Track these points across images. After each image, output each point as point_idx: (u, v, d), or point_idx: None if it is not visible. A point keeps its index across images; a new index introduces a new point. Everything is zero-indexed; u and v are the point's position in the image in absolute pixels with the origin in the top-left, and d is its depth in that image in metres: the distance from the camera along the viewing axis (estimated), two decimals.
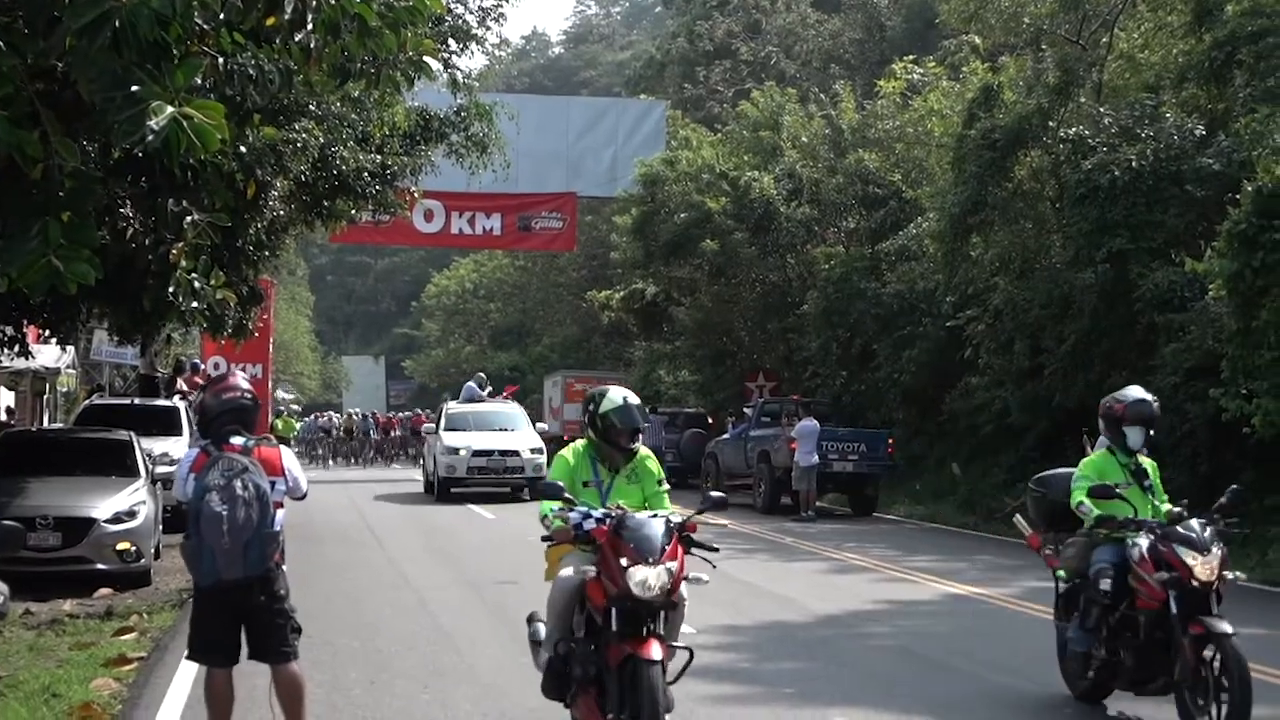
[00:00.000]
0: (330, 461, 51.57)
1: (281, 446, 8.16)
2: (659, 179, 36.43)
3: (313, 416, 63.59)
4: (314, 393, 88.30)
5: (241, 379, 8.30)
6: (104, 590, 14.28)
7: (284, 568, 7.96)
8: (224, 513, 7.39)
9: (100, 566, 14.61)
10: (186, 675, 9.68)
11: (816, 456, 25.02)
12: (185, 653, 8.26)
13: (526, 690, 9.78)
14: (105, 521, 14.69)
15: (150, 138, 5.67)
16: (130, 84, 5.72)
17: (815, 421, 25.60)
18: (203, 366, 32.67)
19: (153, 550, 15.51)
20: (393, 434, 56.46)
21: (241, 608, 7.69)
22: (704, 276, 36.78)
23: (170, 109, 5.69)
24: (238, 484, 7.48)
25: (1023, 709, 9.43)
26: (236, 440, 7.76)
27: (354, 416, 56.81)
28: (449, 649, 11.47)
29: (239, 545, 7.40)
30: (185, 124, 5.74)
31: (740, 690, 9.92)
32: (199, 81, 6.81)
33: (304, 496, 8.37)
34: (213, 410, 7.95)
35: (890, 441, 27.09)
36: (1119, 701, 9.40)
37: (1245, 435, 17.20)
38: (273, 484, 7.76)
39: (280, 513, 7.76)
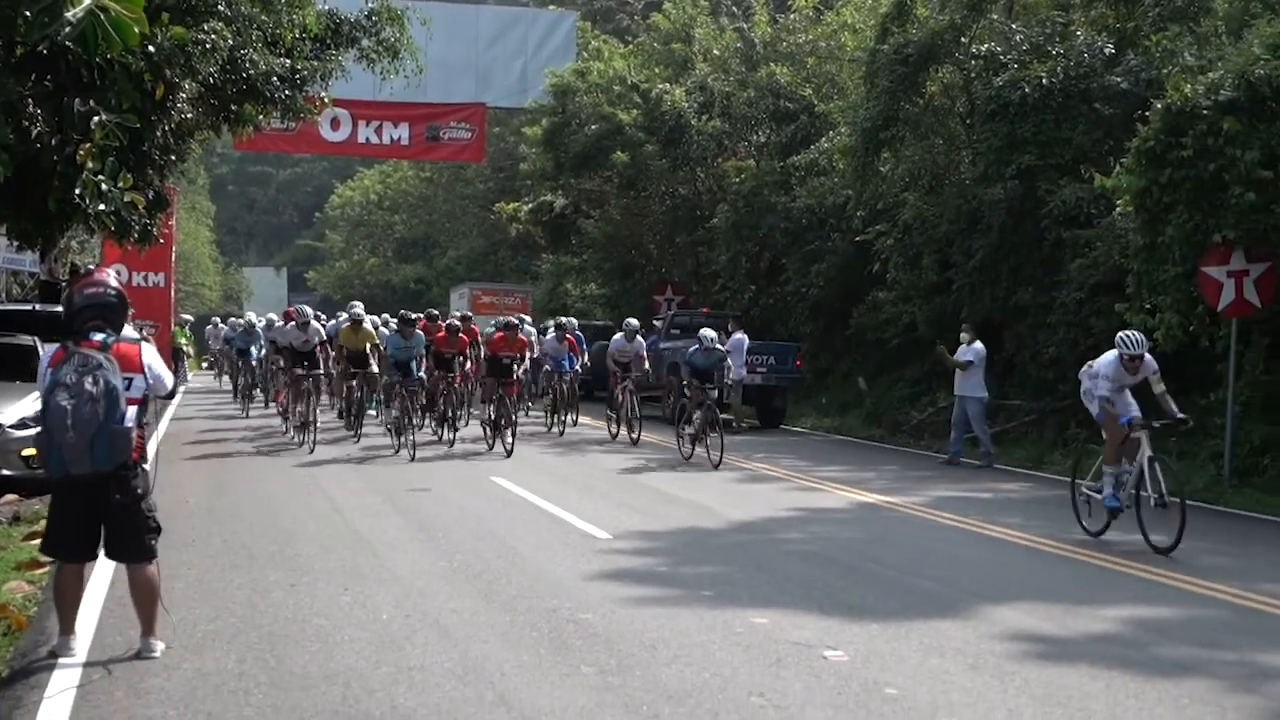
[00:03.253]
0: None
1: (143, 343, 8.07)
2: (570, 90, 36.17)
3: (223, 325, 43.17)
4: (214, 304, 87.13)
5: (109, 275, 8.11)
6: (10, 496, 14.07)
7: (145, 467, 7.94)
8: (69, 407, 7.37)
9: (5, 472, 14.41)
10: (102, 576, 9.60)
11: (745, 370, 25.15)
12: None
13: (448, 592, 9.84)
14: (10, 427, 14.50)
15: (67, 30, 5.48)
16: None
17: (745, 335, 25.73)
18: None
19: None
20: None
21: (95, 505, 7.67)
22: (614, 189, 36.71)
23: (88, 0, 5.51)
24: (88, 380, 7.45)
25: (930, 606, 9.62)
26: (97, 336, 7.67)
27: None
28: (367, 553, 11.46)
29: (84, 440, 7.39)
30: (103, 17, 5.55)
31: (660, 593, 10.02)
32: None
33: (171, 395, 8.30)
34: (75, 305, 7.83)
35: (799, 355, 27.29)
36: (1017, 609, 9.62)
37: (1151, 349, 17.49)
38: (130, 381, 7.70)
39: (132, 410, 7.66)
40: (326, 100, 22.98)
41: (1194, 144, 16.25)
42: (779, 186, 31.96)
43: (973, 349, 20.40)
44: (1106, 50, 22.43)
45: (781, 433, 26.22)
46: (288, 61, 19.15)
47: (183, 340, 39.27)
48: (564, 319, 27.83)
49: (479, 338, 25.80)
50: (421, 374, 21.30)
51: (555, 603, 9.56)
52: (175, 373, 36.45)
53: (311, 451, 19.97)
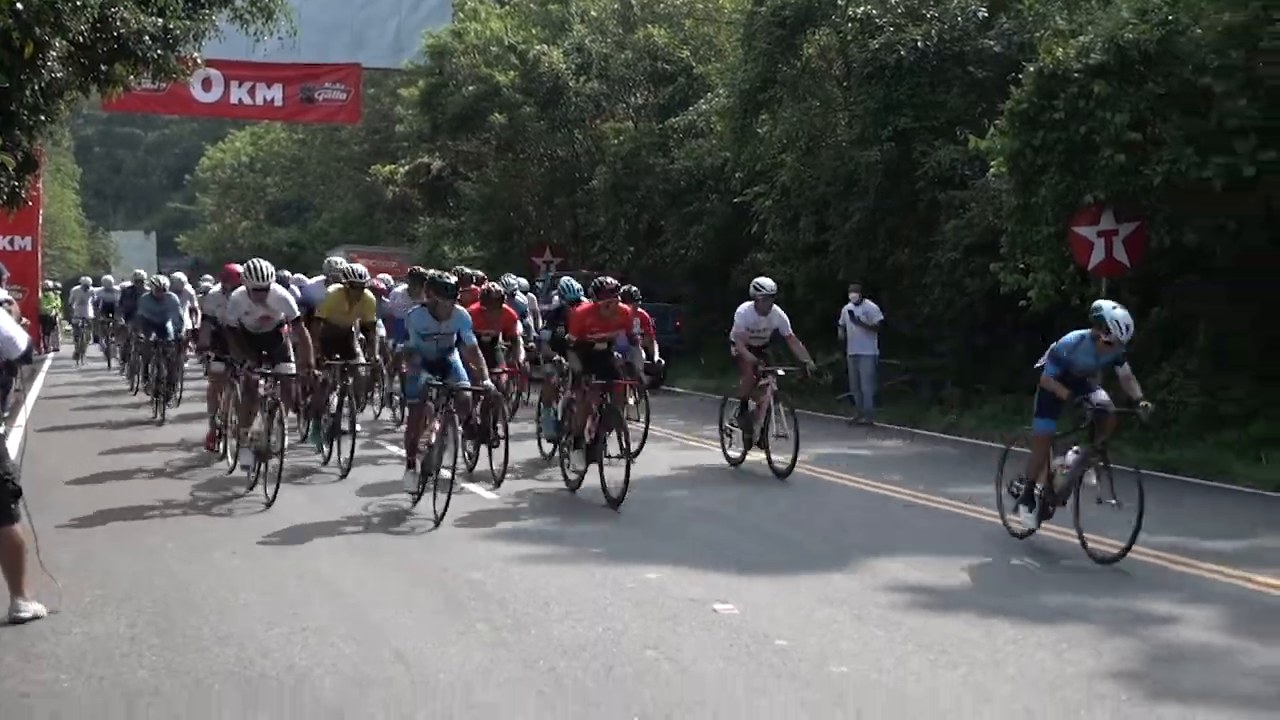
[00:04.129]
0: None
1: None
2: (446, 51, 35.85)
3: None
4: (81, 268, 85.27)
5: None
6: None
7: (2, 429, 7.86)
8: None
9: None
10: None
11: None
12: None
13: (341, 558, 9.81)
14: None
15: None
16: None
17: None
18: None
19: None
20: None
21: None
22: (491, 151, 36.53)
23: None
24: None
25: (817, 561, 9.80)
26: None
27: None
28: (261, 522, 11.39)
29: None
30: None
31: (549, 551, 10.10)
32: None
33: (25, 358, 8.22)
34: None
35: (678, 316, 27.43)
36: (900, 561, 9.85)
37: (1022, 308, 17.90)
38: None
39: None
40: (199, 60, 22.54)
41: (1065, 107, 16.57)
42: (657, 148, 32.02)
43: (862, 308, 20.72)
44: (980, 14, 22.76)
45: (663, 393, 26.35)
46: (160, 20, 18.70)
47: (50, 307, 38.39)
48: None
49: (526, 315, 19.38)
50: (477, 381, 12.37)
51: (446, 562, 9.59)
52: (45, 341, 35.80)
53: (269, 505, 12.12)
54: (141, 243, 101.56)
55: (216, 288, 17.29)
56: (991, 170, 19.30)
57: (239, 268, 14.22)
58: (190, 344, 21.74)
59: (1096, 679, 7.01)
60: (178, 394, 21.18)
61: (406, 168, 43.63)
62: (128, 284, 28.54)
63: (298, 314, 13.87)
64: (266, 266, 13.43)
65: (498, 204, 39.68)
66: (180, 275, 25.95)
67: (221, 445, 15.01)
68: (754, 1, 25.85)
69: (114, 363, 28.44)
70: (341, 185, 61.37)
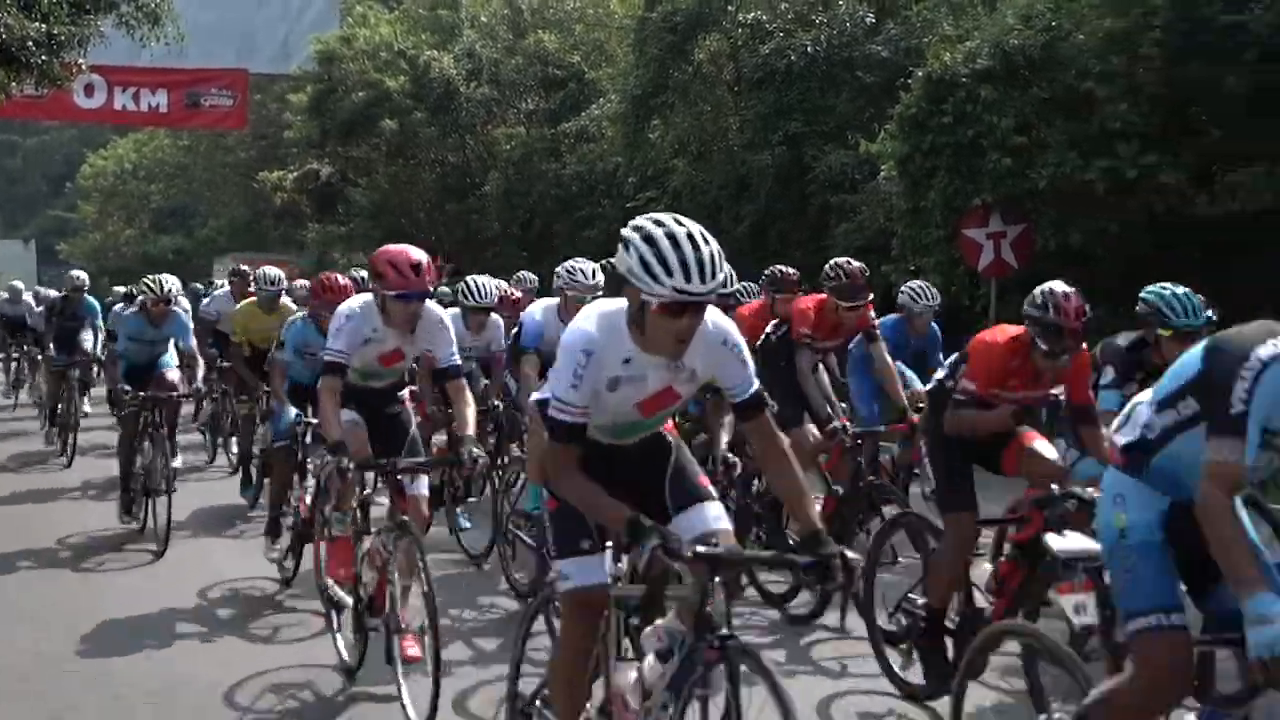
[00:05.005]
0: None
1: None
2: (335, 57, 35.63)
3: None
4: None
5: None
6: None
7: None
8: None
9: None
10: None
11: None
12: None
13: None
14: None
15: None
16: None
17: None
18: None
19: None
20: None
21: None
22: (382, 157, 36.33)
23: None
24: None
25: None
26: None
27: None
28: None
29: None
30: None
31: None
32: None
33: None
34: None
35: None
36: None
37: None
38: None
39: None
40: (83, 66, 22.20)
41: (953, 111, 16.89)
42: (549, 153, 32.07)
43: None
44: (868, 20, 23.10)
45: None
46: (44, 26, 18.46)
47: None
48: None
49: None
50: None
51: None
52: None
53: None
54: (20, 252, 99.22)
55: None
56: (882, 173, 19.57)
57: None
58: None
59: None
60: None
61: (295, 174, 43.17)
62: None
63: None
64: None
65: (388, 210, 39.39)
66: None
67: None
68: (645, 7, 26.02)
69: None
70: (228, 192, 60.62)
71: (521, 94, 34.16)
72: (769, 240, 23.52)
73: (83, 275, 17.53)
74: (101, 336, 16.16)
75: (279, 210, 51.99)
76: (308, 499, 8.65)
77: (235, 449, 13.99)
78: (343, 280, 9.69)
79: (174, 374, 11.69)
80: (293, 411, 9.38)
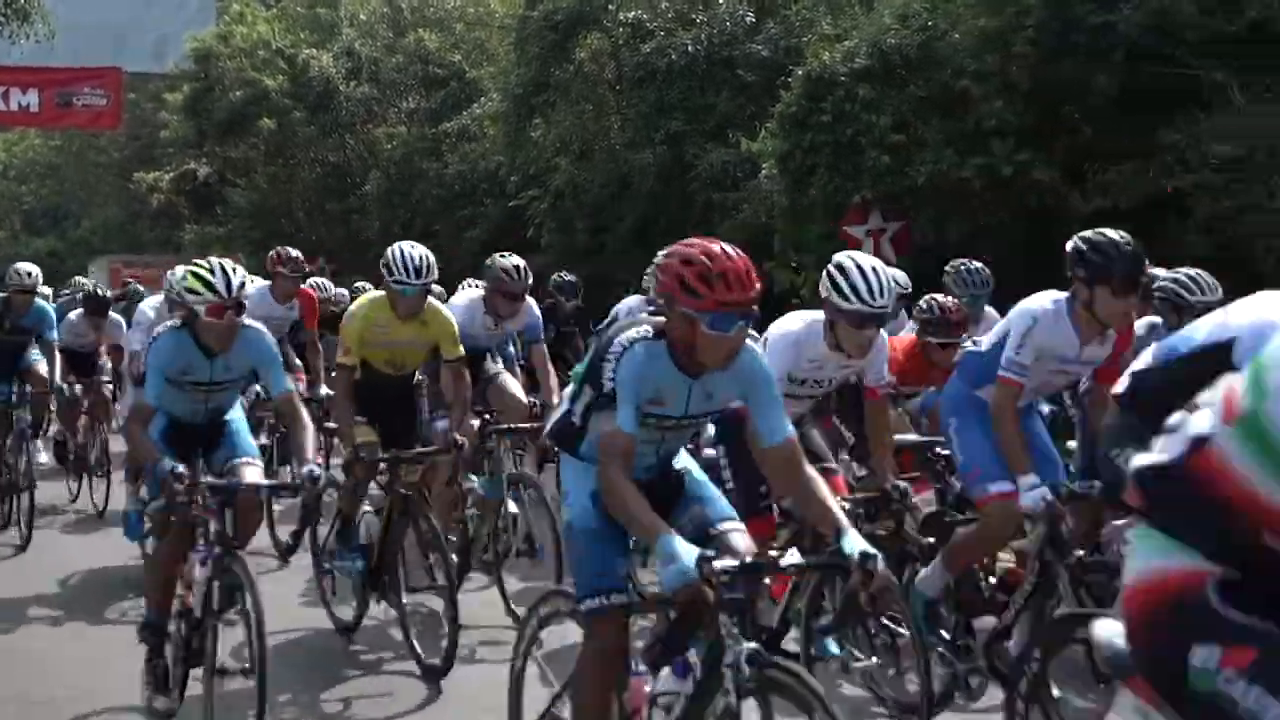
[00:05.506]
0: None
1: None
2: (212, 55, 35.17)
3: None
4: None
5: None
6: None
7: None
8: None
9: None
10: None
11: None
12: None
13: None
14: None
15: None
16: None
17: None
18: None
19: None
20: None
21: None
22: (261, 156, 35.92)
23: None
24: None
25: None
26: None
27: None
28: None
29: None
30: None
31: None
32: None
33: None
34: None
35: None
36: None
37: (795, 305, 18.32)
38: None
39: None
40: None
41: (832, 109, 17.04)
42: (430, 153, 31.87)
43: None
44: (748, 19, 23.21)
45: None
46: None
47: None
48: None
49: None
50: None
51: None
52: None
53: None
54: None
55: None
56: (763, 171, 19.69)
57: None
58: None
59: None
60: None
61: (172, 174, 42.50)
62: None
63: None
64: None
65: (268, 211, 38.92)
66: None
67: None
68: (526, 6, 25.95)
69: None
70: (102, 192, 59.53)
71: (402, 93, 33.94)
72: (652, 238, 23.54)
73: (33, 269, 12.01)
74: (59, 359, 11.89)
75: (155, 211, 51.12)
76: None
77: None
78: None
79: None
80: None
